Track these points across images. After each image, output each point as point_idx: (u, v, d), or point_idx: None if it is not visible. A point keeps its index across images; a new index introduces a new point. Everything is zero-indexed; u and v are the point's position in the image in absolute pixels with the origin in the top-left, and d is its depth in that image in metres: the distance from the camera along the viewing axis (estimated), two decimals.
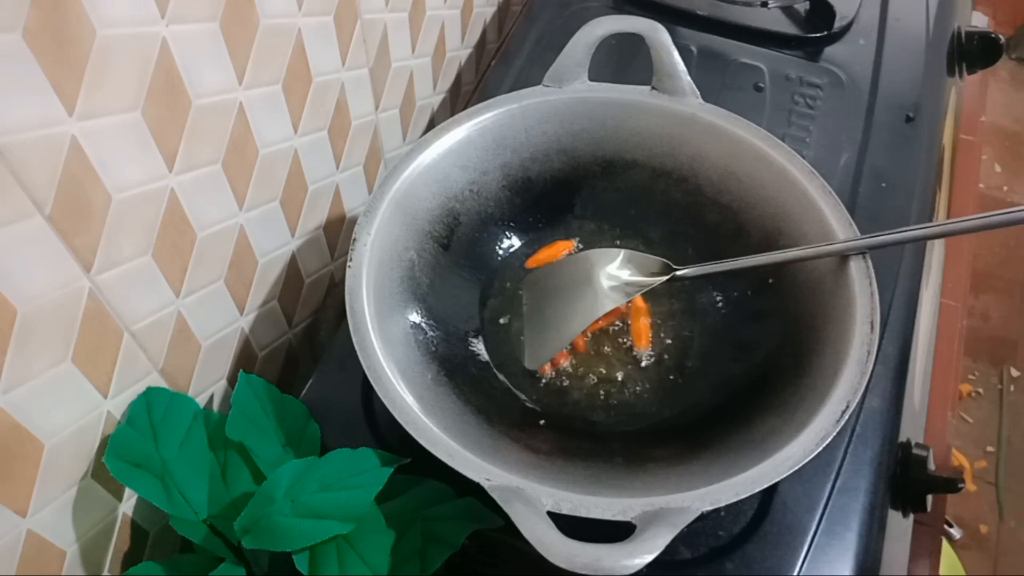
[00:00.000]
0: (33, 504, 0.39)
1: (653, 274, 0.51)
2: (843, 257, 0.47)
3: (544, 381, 0.52)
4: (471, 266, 0.56)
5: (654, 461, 0.44)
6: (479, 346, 0.53)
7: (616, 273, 0.51)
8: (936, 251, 0.74)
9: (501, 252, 0.58)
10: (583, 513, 0.38)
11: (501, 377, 0.52)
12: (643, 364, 0.53)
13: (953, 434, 1.32)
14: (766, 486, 0.39)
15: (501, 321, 0.55)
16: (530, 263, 0.57)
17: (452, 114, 0.55)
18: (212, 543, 0.44)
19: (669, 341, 0.54)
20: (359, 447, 0.45)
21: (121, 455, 0.43)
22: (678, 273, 0.51)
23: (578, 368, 0.53)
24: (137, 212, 0.41)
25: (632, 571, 0.35)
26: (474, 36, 0.84)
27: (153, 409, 0.45)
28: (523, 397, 0.51)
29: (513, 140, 0.56)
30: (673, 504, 0.38)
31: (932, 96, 0.71)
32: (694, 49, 0.73)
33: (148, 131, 0.40)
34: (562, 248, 0.58)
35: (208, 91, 0.44)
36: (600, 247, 0.58)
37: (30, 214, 0.35)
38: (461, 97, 0.85)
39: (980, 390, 1.39)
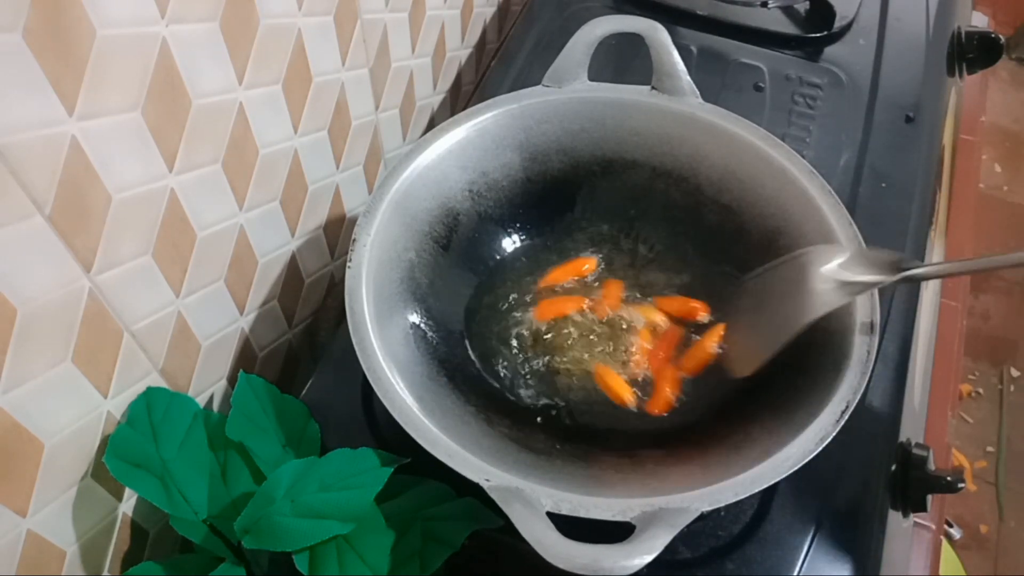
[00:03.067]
0: (33, 504, 0.39)
1: (879, 272, 0.45)
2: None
3: (544, 381, 0.52)
4: (471, 267, 0.56)
5: (654, 461, 0.44)
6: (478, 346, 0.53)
7: (833, 274, 0.46)
8: (936, 251, 0.74)
9: (501, 252, 0.58)
10: (582, 513, 0.38)
11: (499, 377, 0.52)
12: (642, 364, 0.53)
13: (953, 434, 1.32)
14: (766, 486, 0.39)
15: (500, 320, 0.55)
16: (542, 284, 0.56)
17: (452, 114, 0.55)
18: (212, 543, 0.44)
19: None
20: (359, 447, 0.45)
21: (121, 455, 0.43)
22: (909, 273, 0.45)
23: (577, 368, 0.53)
24: (137, 212, 0.41)
25: (631, 571, 0.35)
26: (474, 36, 0.84)
27: (153, 409, 0.45)
28: (521, 397, 0.51)
29: (513, 140, 0.56)
30: (672, 504, 0.38)
31: (932, 96, 0.71)
32: (694, 49, 0.73)
33: (148, 131, 0.40)
34: (581, 265, 0.57)
35: (208, 91, 0.44)
36: (607, 246, 0.58)
37: (30, 214, 0.35)
38: (461, 97, 0.85)
39: (980, 390, 1.39)
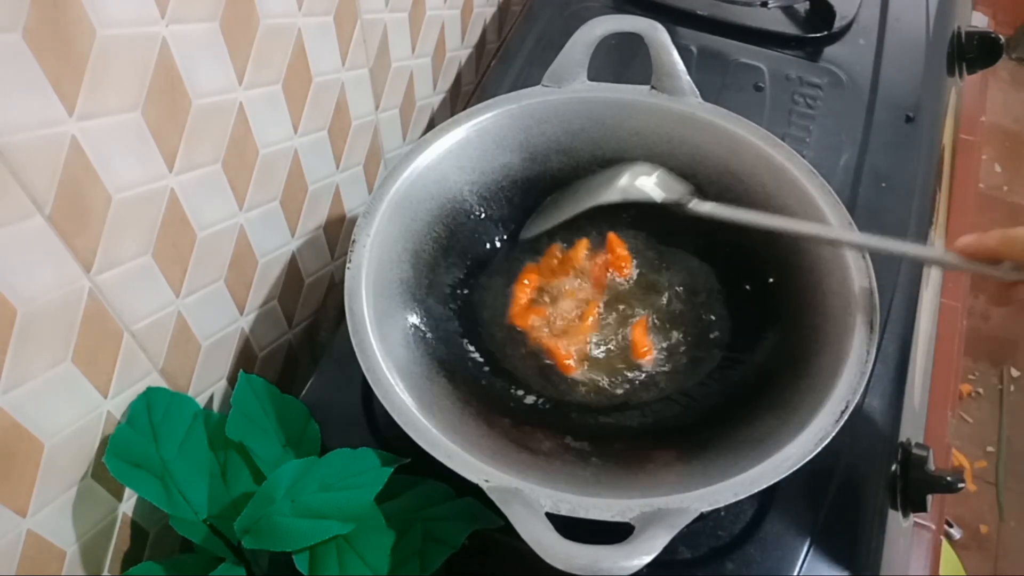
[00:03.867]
0: (33, 504, 0.39)
1: (670, 196, 0.51)
2: (843, 256, 0.47)
3: (543, 382, 0.52)
4: (471, 267, 0.56)
5: (653, 461, 0.44)
6: (477, 347, 0.53)
7: (631, 179, 0.52)
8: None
9: (500, 253, 0.58)
10: (581, 514, 0.38)
11: (499, 378, 0.52)
12: (642, 365, 0.53)
13: (953, 434, 1.32)
14: (765, 486, 0.39)
15: (500, 321, 0.55)
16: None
17: (452, 114, 0.55)
18: (212, 543, 0.44)
19: (669, 342, 0.54)
20: (359, 447, 0.45)
21: (121, 455, 0.43)
22: (688, 206, 0.51)
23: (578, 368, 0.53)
24: (137, 212, 0.41)
25: (630, 572, 0.35)
26: (474, 36, 0.84)
27: (153, 409, 0.45)
28: (520, 397, 0.51)
29: (512, 141, 0.56)
30: (672, 505, 0.38)
31: (932, 96, 0.71)
32: (694, 49, 0.73)
33: (148, 131, 0.40)
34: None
35: (208, 91, 0.44)
36: (587, 245, 0.58)
37: (30, 214, 0.35)
38: (461, 97, 0.85)
39: (980, 390, 1.39)
